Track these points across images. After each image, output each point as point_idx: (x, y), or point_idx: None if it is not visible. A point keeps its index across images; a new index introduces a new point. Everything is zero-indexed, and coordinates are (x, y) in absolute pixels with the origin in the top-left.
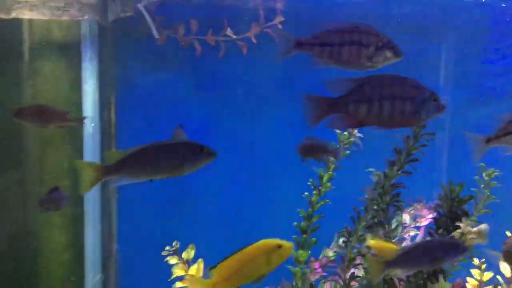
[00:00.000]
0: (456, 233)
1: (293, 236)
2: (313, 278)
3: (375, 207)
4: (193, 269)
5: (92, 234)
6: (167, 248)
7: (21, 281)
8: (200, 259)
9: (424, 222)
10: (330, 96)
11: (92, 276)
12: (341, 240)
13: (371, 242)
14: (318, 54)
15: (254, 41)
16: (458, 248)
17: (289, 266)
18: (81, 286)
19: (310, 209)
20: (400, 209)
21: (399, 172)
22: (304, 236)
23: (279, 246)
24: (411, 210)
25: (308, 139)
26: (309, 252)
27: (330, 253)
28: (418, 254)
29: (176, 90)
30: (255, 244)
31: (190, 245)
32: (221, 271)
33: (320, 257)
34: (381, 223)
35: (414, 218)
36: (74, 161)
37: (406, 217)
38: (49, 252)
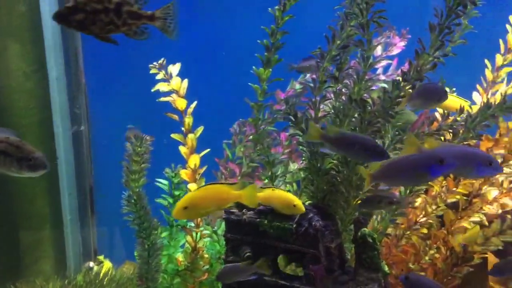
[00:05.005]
0: None
1: (256, 54)
2: (278, 107)
3: (352, 23)
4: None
5: None
6: (154, 63)
7: None
8: None
9: (395, 51)
10: None
11: None
12: (308, 75)
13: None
14: None
15: None
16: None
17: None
18: None
19: (273, 26)
20: (381, 26)
21: None
22: (267, 54)
23: None
24: (381, 39)
25: None
26: (271, 70)
27: (297, 86)
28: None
29: None
30: None
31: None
32: None
33: (288, 88)
34: (361, 41)
35: (385, 48)
36: None
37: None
38: None
